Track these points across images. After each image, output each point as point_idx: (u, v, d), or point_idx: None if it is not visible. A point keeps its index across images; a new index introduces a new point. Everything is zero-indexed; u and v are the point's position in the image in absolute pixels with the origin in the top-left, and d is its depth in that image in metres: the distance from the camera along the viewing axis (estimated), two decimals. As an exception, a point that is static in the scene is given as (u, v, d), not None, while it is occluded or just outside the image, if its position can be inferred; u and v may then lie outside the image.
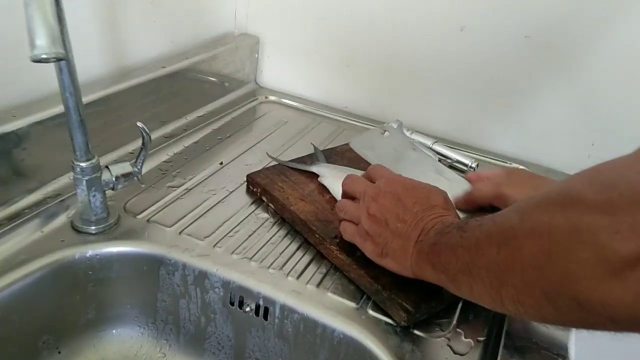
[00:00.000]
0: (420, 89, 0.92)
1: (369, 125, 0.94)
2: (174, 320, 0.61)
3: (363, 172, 0.67)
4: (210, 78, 0.91)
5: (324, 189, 0.68)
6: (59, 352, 0.58)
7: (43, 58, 0.39)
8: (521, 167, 0.85)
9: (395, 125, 0.86)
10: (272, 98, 1.00)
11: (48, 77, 0.53)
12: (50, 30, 0.39)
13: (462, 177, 0.65)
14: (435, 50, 0.88)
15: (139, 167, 0.61)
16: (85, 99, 0.64)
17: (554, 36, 0.80)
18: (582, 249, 0.30)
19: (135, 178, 0.61)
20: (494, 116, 0.88)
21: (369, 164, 0.69)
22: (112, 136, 0.72)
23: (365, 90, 0.96)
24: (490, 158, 0.87)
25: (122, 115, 0.73)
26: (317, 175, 0.70)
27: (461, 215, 0.58)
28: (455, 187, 0.63)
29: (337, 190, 0.65)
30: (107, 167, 0.59)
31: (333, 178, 0.66)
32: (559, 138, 0.85)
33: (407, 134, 0.86)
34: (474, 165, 0.81)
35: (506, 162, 0.86)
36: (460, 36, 0.85)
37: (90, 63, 0.71)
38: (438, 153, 0.84)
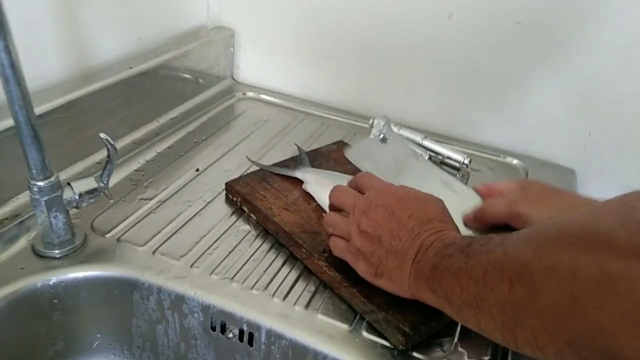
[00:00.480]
0: (407, 80, 0.87)
1: (354, 121, 0.89)
2: (152, 347, 0.57)
3: (350, 176, 0.62)
4: (183, 75, 0.85)
5: (309, 197, 0.63)
6: (25, 390, 0.52)
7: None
8: (521, 162, 0.81)
9: (382, 122, 0.81)
10: (250, 94, 0.94)
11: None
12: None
13: (472, 190, 0.58)
14: (421, 39, 0.83)
15: (105, 182, 0.55)
16: (42, 108, 0.59)
17: (547, 22, 0.75)
18: (616, 300, 0.26)
19: (101, 194, 0.56)
20: (485, 107, 0.84)
21: (357, 168, 0.64)
22: (75, 146, 0.66)
23: (348, 83, 0.91)
24: (482, 152, 0.83)
25: (87, 122, 0.67)
26: (302, 181, 0.65)
27: (470, 233, 0.53)
28: (464, 201, 0.56)
29: (323, 199, 0.60)
30: (69, 184, 0.54)
31: (319, 185, 0.62)
32: (554, 129, 0.81)
33: (395, 129, 0.81)
34: (466, 162, 0.76)
35: (499, 156, 0.82)
36: (448, 24, 0.80)
37: (47, 67, 0.64)
38: (428, 149, 0.79)
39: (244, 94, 0.94)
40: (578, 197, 0.50)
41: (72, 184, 0.54)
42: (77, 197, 0.53)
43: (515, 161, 0.81)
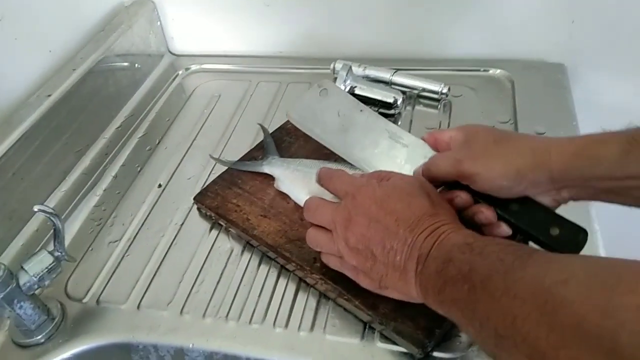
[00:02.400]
0: (358, 9, 0.76)
1: (314, 69, 0.79)
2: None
3: (320, 162, 0.56)
4: (116, 72, 0.75)
5: (286, 194, 0.57)
6: None
7: None
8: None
9: (339, 66, 0.72)
10: (193, 67, 0.85)
11: None
12: None
13: (421, 140, 0.53)
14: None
15: (60, 250, 0.50)
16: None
17: None
18: None
19: (62, 261, 0.50)
20: (453, 17, 0.74)
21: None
22: (19, 208, 0.59)
23: (296, 27, 0.80)
24: (461, 68, 0.75)
25: (24, 174, 0.59)
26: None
27: None
28: (415, 154, 0.52)
29: (298, 198, 0.54)
30: (21, 267, 0.48)
31: (291, 183, 0.56)
32: (534, 23, 0.71)
33: (360, 70, 0.73)
34: (445, 91, 0.69)
35: (479, 69, 0.74)
36: None
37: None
38: (402, 85, 0.71)
39: (186, 69, 0.84)
40: (525, 143, 0.44)
41: (25, 266, 0.48)
42: (35, 279, 0.48)
43: (498, 71, 0.73)
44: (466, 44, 0.75)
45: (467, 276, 0.34)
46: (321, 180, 0.48)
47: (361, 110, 0.59)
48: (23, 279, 0.48)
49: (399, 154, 0.53)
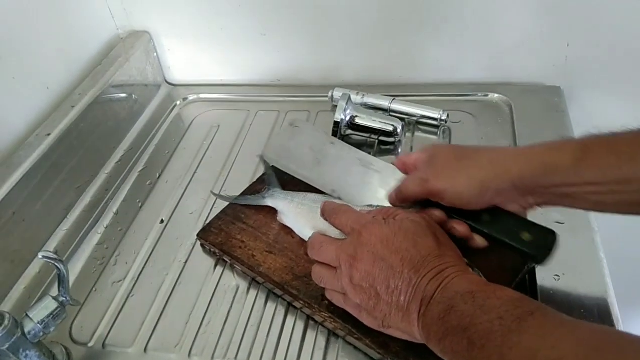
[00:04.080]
0: (352, 35, 0.76)
1: (312, 97, 0.80)
2: None
3: (326, 195, 0.57)
4: (114, 106, 0.75)
5: (290, 228, 0.57)
6: None
7: None
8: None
9: (338, 95, 0.73)
10: (191, 97, 0.85)
11: None
12: None
13: (391, 165, 0.55)
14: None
15: (64, 296, 0.49)
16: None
17: None
18: None
19: (67, 306, 0.50)
20: (449, 44, 0.74)
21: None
22: (20, 249, 0.58)
23: (292, 55, 0.81)
24: (460, 94, 0.75)
25: (24, 214, 0.59)
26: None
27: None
28: (387, 179, 0.54)
29: (303, 233, 0.54)
30: (26, 315, 0.48)
31: (295, 218, 0.55)
32: (529, 47, 0.72)
33: (358, 98, 0.73)
34: (444, 117, 0.69)
35: (477, 94, 0.75)
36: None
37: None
38: (400, 112, 0.71)
39: (184, 99, 0.84)
40: (485, 156, 0.47)
41: (30, 314, 0.48)
42: (41, 326, 0.48)
43: (496, 96, 0.74)
44: (463, 69, 0.76)
45: (467, 330, 0.35)
46: (326, 215, 0.49)
47: (332, 143, 0.62)
48: (28, 327, 0.47)
49: (372, 180, 0.56)
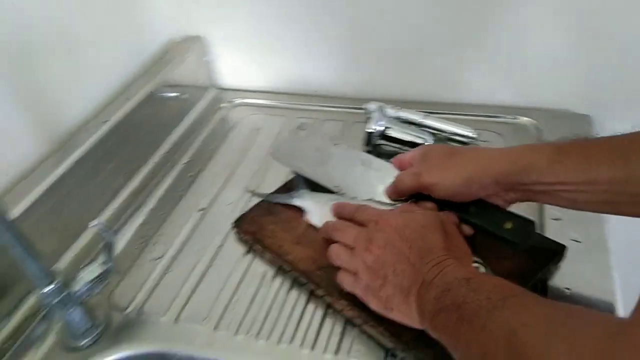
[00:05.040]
0: (391, 55, 0.81)
1: (349, 108, 0.84)
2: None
3: (350, 197, 0.61)
4: (165, 103, 0.81)
5: (317, 225, 0.61)
6: None
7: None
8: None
9: (373, 107, 0.77)
10: (237, 101, 0.90)
11: None
12: None
13: (389, 164, 0.61)
14: (390, 5, 0.76)
15: (109, 263, 0.54)
16: (26, 202, 0.57)
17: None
18: None
19: (111, 273, 0.55)
20: (480, 66, 0.78)
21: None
22: (72, 224, 0.64)
23: (332, 67, 0.86)
24: (490, 115, 0.78)
25: (78, 193, 0.65)
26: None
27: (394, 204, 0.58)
28: (385, 176, 0.60)
29: (329, 231, 0.58)
30: (75, 276, 0.53)
31: (320, 216, 0.60)
32: (559, 74, 0.75)
33: (392, 112, 0.77)
34: (474, 135, 0.72)
35: (506, 117, 0.78)
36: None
37: (18, 152, 0.62)
38: (431, 127, 0.75)
39: (230, 102, 0.90)
40: (473, 154, 0.53)
41: (78, 275, 0.53)
42: (87, 287, 0.53)
43: (525, 119, 0.77)
44: (495, 91, 0.79)
45: (459, 308, 0.39)
46: (353, 213, 0.53)
47: (335, 144, 0.71)
48: (76, 287, 0.53)
49: (371, 177, 0.62)
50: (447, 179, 0.51)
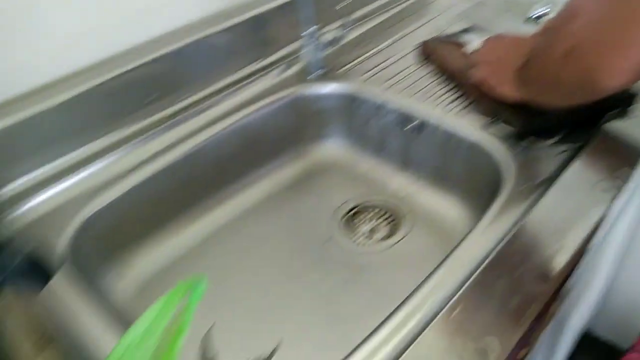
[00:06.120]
0: None
1: None
2: (362, 137, 0.92)
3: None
4: None
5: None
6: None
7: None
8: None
9: None
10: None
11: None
12: None
13: None
14: None
15: (344, 31, 0.89)
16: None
17: None
18: None
19: (342, 39, 0.90)
20: None
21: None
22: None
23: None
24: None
25: None
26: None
27: None
28: None
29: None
30: (324, 32, 0.89)
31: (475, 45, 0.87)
32: None
33: None
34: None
35: None
36: None
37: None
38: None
39: None
40: None
41: (326, 30, 0.89)
42: (327, 40, 0.89)
43: None
44: None
45: None
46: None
47: None
48: (324, 38, 0.89)
49: None
50: None
